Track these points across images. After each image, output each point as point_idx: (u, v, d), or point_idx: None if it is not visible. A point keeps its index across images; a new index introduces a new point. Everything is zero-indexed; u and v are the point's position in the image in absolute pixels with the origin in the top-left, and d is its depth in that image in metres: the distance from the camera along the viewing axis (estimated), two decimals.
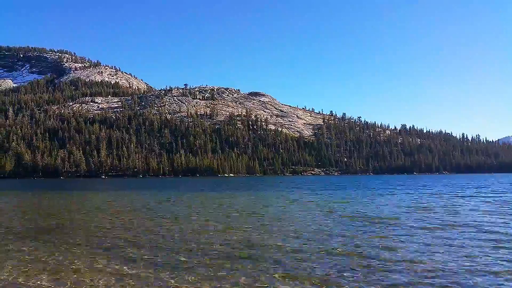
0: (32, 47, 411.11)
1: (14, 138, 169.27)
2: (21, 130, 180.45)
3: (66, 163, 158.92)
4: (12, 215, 19.89)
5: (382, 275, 7.80)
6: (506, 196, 29.73)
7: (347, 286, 7.15)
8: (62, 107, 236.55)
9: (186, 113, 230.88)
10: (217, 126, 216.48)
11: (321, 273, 7.97)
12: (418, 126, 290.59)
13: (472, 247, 10.19)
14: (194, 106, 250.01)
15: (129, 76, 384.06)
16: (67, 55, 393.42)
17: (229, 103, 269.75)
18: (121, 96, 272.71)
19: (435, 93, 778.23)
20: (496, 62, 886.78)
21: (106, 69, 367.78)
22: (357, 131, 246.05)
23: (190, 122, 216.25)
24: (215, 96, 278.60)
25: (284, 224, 14.99)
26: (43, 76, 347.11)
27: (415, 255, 9.35)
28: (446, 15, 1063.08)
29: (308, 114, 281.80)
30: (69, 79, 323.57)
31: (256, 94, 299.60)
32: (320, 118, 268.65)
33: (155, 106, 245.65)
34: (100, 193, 43.59)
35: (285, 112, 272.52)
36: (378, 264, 8.55)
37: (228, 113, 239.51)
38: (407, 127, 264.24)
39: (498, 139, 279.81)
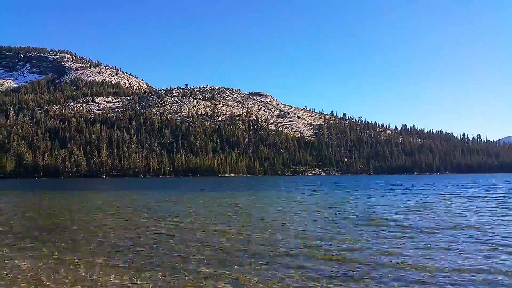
0: (32, 47, 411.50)
1: (15, 138, 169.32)
2: (22, 130, 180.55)
3: (67, 163, 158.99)
4: (13, 215, 19.91)
5: (380, 277, 7.79)
6: None
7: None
8: (62, 107, 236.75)
9: (186, 113, 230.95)
10: (217, 126, 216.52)
11: (321, 273, 7.97)
12: (419, 126, 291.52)
13: (471, 249, 10.18)
14: (195, 106, 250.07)
15: (130, 76, 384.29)
16: (67, 55, 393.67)
17: (229, 103, 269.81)
18: (122, 96, 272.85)
19: (436, 93, 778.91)
20: (496, 62, 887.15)
21: (106, 69, 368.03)
22: (358, 131, 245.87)
23: (191, 122, 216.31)
24: (216, 96, 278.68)
25: (285, 224, 14.99)
26: (44, 76, 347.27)
27: (416, 258, 9.33)
28: (446, 15, 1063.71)
29: (308, 114, 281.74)
30: (69, 79, 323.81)
31: (256, 94, 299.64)
32: (320, 118, 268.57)
33: (155, 106, 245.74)
34: (101, 193, 43.62)
35: (285, 112, 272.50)
36: (377, 266, 8.55)
37: (228, 113, 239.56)
38: (408, 127, 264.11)
39: (499, 139, 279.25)
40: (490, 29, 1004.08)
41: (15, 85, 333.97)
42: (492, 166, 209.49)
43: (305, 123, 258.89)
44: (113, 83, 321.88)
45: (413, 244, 10.69)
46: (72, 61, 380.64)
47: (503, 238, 11.35)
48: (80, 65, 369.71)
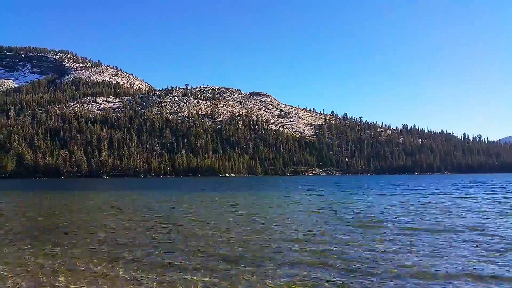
0: (33, 47, 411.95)
1: (16, 138, 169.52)
2: (22, 130, 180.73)
3: (68, 163, 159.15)
4: (13, 215, 19.93)
5: (377, 279, 7.79)
6: None
7: None
8: (63, 107, 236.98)
9: (187, 113, 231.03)
10: (218, 126, 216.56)
11: (320, 274, 7.97)
12: (420, 126, 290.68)
13: (471, 250, 10.17)
14: (195, 106, 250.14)
15: (130, 76, 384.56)
16: (68, 55, 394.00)
17: (230, 103, 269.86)
18: (122, 96, 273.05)
19: (436, 93, 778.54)
20: (496, 62, 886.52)
21: (107, 69, 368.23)
22: (358, 131, 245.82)
23: (191, 122, 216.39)
24: (216, 96, 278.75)
25: (285, 224, 14.99)
26: (45, 76, 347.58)
27: (415, 260, 9.33)
28: (446, 15, 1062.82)
29: (309, 114, 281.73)
30: (70, 79, 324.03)
31: (257, 94, 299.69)
32: (321, 118, 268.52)
33: (156, 106, 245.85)
34: (101, 193, 43.65)
35: (286, 112, 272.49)
36: (376, 267, 8.55)
37: (229, 113, 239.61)
38: (409, 127, 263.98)
39: (500, 139, 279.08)
40: (490, 29, 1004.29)
41: (15, 85, 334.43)
42: (493, 166, 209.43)
43: (305, 123, 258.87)
44: (113, 83, 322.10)
45: (413, 245, 10.69)
46: (73, 61, 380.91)
47: (503, 239, 11.34)
48: (81, 65, 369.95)
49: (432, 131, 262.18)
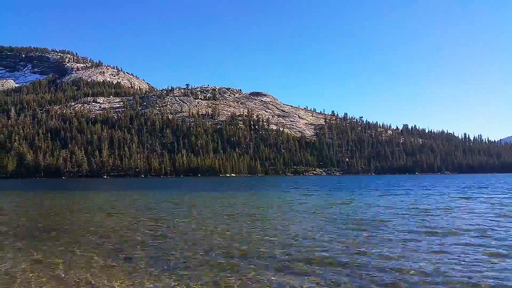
0: (34, 47, 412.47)
1: (16, 138, 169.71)
2: (23, 130, 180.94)
3: (68, 163, 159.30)
4: (14, 215, 19.96)
5: (374, 281, 7.80)
6: None
7: None
8: (64, 107, 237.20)
9: (187, 113, 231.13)
10: (218, 126, 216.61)
11: (320, 274, 7.98)
12: (420, 126, 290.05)
13: (470, 251, 10.17)
14: (196, 106, 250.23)
15: (131, 76, 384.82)
16: (69, 55, 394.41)
17: (230, 103, 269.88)
18: (123, 96, 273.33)
19: (436, 93, 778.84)
20: (496, 62, 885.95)
21: (108, 69, 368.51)
22: (359, 131, 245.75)
23: (192, 122, 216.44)
24: (217, 96, 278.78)
25: (284, 225, 14.99)
26: (45, 76, 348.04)
27: (415, 261, 9.33)
28: (446, 15, 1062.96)
29: (309, 114, 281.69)
30: (71, 79, 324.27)
31: (257, 94, 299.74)
32: (321, 118, 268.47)
33: (156, 106, 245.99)
34: (102, 193, 43.67)
35: (286, 112, 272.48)
36: (377, 269, 8.55)
37: (229, 113, 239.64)
38: (409, 127, 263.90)
39: (500, 139, 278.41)
40: (490, 29, 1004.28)
41: (16, 85, 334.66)
42: (494, 166, 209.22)
43: (306, 123, 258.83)
44: (114, 83, 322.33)
45: (414, 246, 10.69)
46: (73, 61, 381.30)
47: (503, 241, 11.33)
48: (81, 65, 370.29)
49: (432, 131, 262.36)
